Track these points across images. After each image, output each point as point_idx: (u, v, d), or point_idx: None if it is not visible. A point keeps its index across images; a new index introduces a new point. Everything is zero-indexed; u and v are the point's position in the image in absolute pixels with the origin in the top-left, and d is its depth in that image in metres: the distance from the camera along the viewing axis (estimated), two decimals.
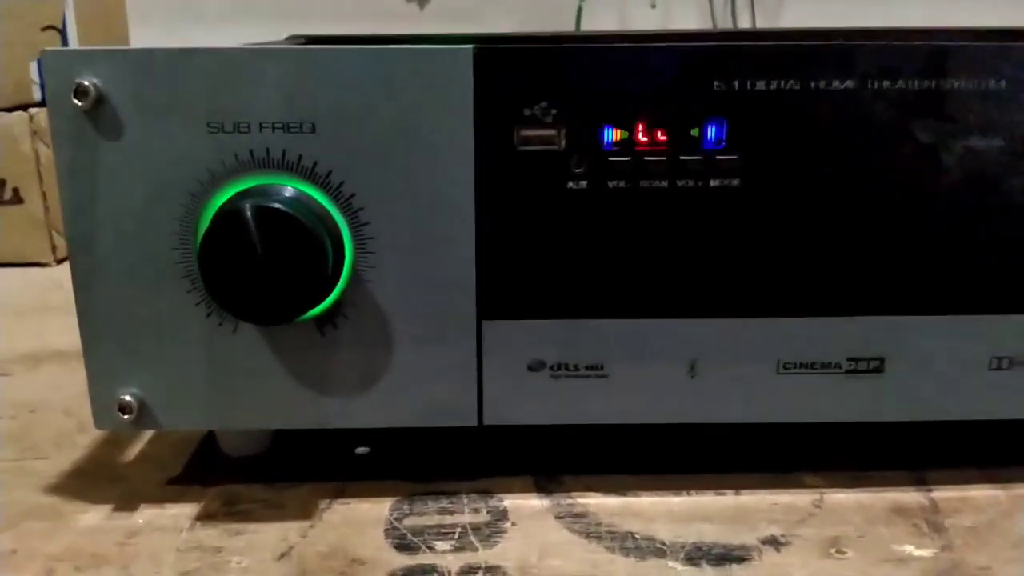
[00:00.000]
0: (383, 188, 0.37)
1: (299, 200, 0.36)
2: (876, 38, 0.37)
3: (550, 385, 0.39)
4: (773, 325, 0.38)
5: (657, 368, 0.39)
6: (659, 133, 0.36)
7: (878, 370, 0.39)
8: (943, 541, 0.37)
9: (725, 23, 1.43)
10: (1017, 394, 0.39)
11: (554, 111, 0.36)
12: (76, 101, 0.35)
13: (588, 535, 0.38)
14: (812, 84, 0.36)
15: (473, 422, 0.40)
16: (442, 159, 0.37)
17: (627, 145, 0.36)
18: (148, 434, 0.47)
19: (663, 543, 0.37)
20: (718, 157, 0.37)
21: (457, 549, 0.37)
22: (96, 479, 0.43)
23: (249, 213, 0.34)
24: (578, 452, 0.44)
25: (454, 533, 0.38)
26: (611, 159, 0.37)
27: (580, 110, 0.36)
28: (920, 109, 0.36)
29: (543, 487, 0.41)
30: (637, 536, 0.37)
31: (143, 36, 1.04)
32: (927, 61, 0.36)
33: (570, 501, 0.40)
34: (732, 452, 0.44)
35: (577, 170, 0.37)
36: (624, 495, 0.40)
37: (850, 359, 0.39)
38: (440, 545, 0.37)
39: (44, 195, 0.83)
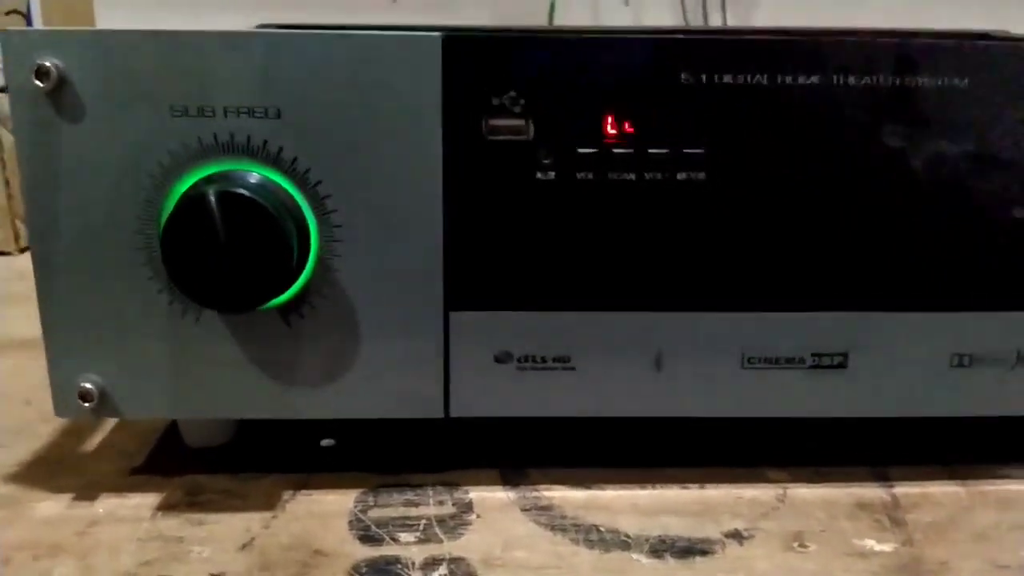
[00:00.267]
0: (350, 176, 0.36)
1: (264, 186, 0.35)
2: (844, 37, 0.37)
3: (517, 377, 0.39)
4: (738, 319, 0.39)
5: (623, 361, 0.39)
6: (627, 125, 0.36)
7: (842, 365, 0.39)
8: (904, 536, 0.37)
9: (696, 22, 1.44)
10: (978, 391, 0.40)
11: (523, 101, 0.36)
12: (37, 82, 0.35)
13: (553, 527, 0.38)
14: (779, 78, 0.36)
15: (440, 414, 0.39)
16: (410, 147, 0.36)
17: (595, 137, 0.36)
18: (110, 425, 0.46)
19: (627, 536, 0.37)
20: (685, 150, 0.37)
21: (422, 541, 0.36)
22: (56, 468, 0.42)
23: (213, 199, 0.34)
24: (544, 445, 0.44)
25: (419, 525, 0.38)
26: (579, 150, 0.37)
27: (549, 100, 0.36)
28: (886, 106, 0.37)
29: (509, 480, 0.41)
30: (602, 529, 0.37)
31: (109, 20, 1.03)
32: (893, 58, 0.36)
33: (536, 494, 0.40)
34: (697, 446, 0.44)
35: (545, 161, 0.37)
36: (589, 488, 0.40)
37: (814, 354, 0.39)
38: (404, 537, 0.37)
39: (7, 182, 0.81)
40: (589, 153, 0.37)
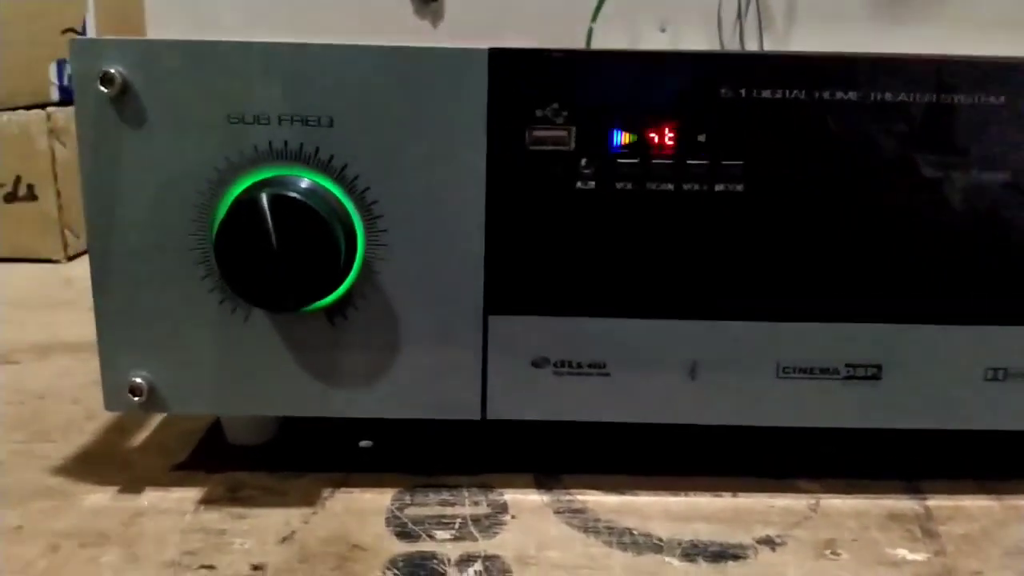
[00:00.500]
0: (396, 183, 0.38)
1: (314, 191, 0.37)
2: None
3: (553, 382, 0.40)
4: (773, 329, 0.39)
5: (658, 369, 0.40)
6: (667, 137, 0.37)
7: (876, 377, 0.40)
8: (936, 547, 0.37)
9: (733, 47, 1.45)
10: (1012, 405, 0.40)
11: (565, 113, 0.37)
12: (102, 88, 0.36)
13: (586, 530, 0.38)
14: (816, 94, 0.37)
15: (476, 416, 0.40)
16: (455, 156, 0.38)
17: (635, 148, 0.37)
18: (154, 424, 0.48)
19: (660, 540, 0.37)
20: (723, 162, 0.38)
21: (457, 539, 0.37)
22: (102, 463, 0.44)
23: (266, 202, 0.35)
24: (578, 450, 0.45)
25: (454, 524, 0.38)
26: (619, 161, 0.38)
27: (590, 113, 0.37)
28: (922, 123, 0.37)
29: (543, 483, 0.42)
30: (634, 532, 0.38)
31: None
32: (929, 76, 0.37)
33: (569, 497, 0.41)
34: (730, 455, 0.44)
35: (586, 171, 0.38)
36: (623, 494, 0.41)
37: (848, 365, 0.40)
38: (440, 534, 0.37)
39: (58, 193, 0.84)
40: (629, 164, 0.38)
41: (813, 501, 0.41)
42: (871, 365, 0.40)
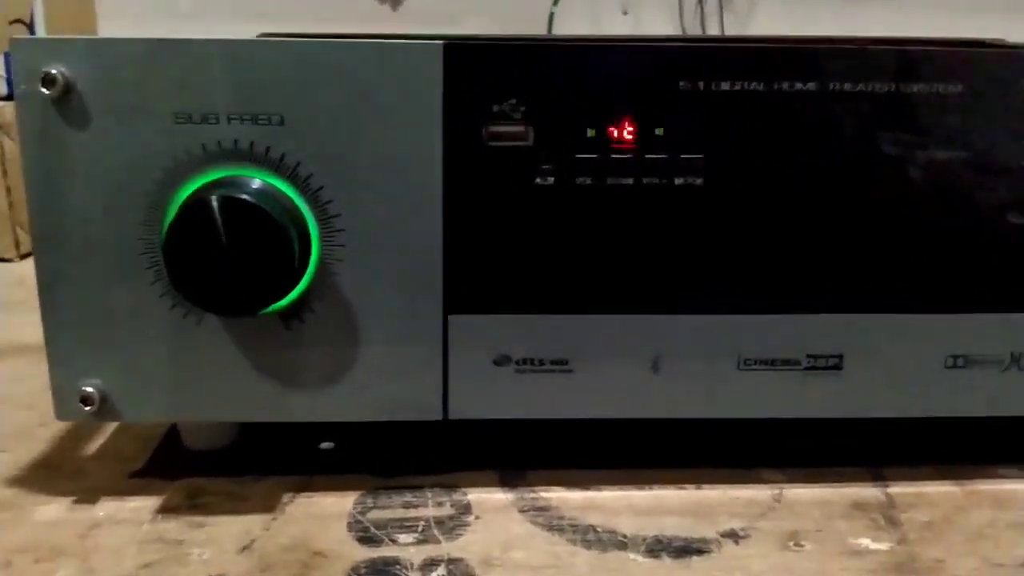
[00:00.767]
0: (351, 182, 0.37)
1: (266, 192, 0.36)
2: (841, 45, 0.38)
3: (515, 380, 0.39)
4: (735, 322, 0.39)
5: (621, 363, 0.39)
6: (626, 131, 0.37)
7: (837, 367, 0.40)
8: (899, 535, 0.37)
9: (694, 30, 1.45)
10: (973, 392, 0.40)
11: (523, 108, 0.37)
12: (44, 90, 0.35)
13: (551, 528, 0.38)
14: (775, 85, 0.37)
15: (438, 416, 0.40)
16: (411, 154, 0.37)
17: (594, 143, 0.37)
18: (110, 429, 0.47)
19: (624, 536, 0.37)
20: (683, 156, 0.37)
21: (420, 542, 0.37)
22: (57, 473, 0.43)
23: (215, 204, 0.34)
24: (542, 447, 0.44)
25: (417, 526, 0.38)
26: (578, 156, 0.37)
27: (549, 107, 0.37)
28: (881, 112, 0.37)
29: (507, 481, 0.41)
30: (599, 529, 0.38)
31: (112, 31, 1.04)
32: (888, 65, 0.37)
33: (533, 495, 0.40)
34: (694, 447, 0.44)
35: (545, 167, 0.37)
36: (587, 489, 0.41)
37: (809, 356, 0.40)
38: (403, 538, 0.37)
39: (8, 190, 0.82)
40: (588, 159, 0.37)
41: (777, 491, 0.41)
42: (832, 355, 0.40)
